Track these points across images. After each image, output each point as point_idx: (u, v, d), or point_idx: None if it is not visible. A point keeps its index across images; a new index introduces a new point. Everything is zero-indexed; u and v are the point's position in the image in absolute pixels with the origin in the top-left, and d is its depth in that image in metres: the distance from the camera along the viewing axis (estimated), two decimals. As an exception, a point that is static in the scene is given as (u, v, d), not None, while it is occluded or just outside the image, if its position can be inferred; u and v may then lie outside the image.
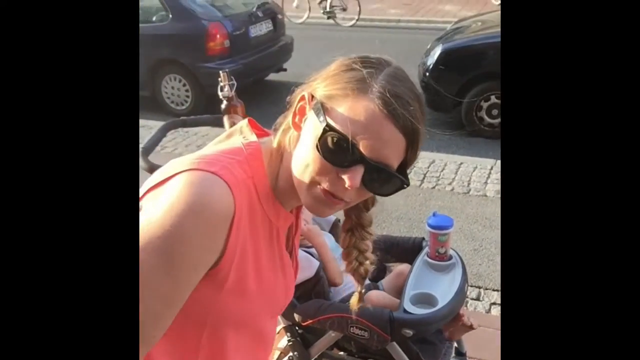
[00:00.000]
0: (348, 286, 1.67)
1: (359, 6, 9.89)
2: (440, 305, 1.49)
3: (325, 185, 0.75)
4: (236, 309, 0.81)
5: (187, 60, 5.42)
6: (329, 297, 1.62)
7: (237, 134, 0.87)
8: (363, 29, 9.84)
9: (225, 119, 1.69)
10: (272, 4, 6.24)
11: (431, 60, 4.90)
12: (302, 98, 0.80)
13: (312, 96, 0.78)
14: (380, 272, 1.80)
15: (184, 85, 5.56)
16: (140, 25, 5.53)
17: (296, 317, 1.54)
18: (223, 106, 1.68)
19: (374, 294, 1.62)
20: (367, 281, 1.73)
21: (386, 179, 0.76)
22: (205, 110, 5.27)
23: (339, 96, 0.74)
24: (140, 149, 1.54)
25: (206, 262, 0.74)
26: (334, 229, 1.85)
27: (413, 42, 7.79)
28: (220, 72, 1.66)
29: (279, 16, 6.26)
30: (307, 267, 1.59)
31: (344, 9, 6.68)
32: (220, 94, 1.67)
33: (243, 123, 0.89)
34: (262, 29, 5.89)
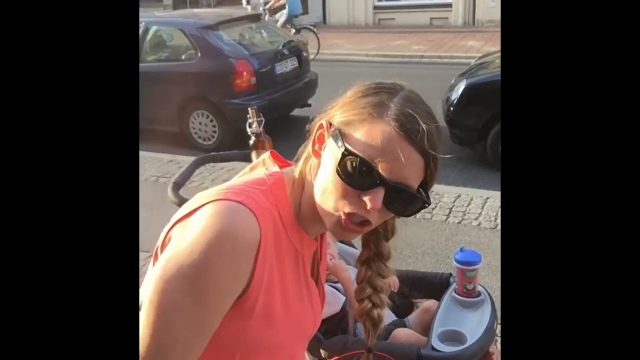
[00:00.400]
0: (375, 322, 1.65)
1: (318, 40, 10.07)
2: (469, 343, 1.46)
3: (347, 209, 0.76)
4: (265, 337, 0.81)
5: (214, 96, 5.56)
6: (356, 333, 1.61)
7: (260, 166, 0.89)
8: (387, 65, 9.96)
9: (254, 155, 1.72)
10: (297, 42, 6.40)
11: (455, 95, 4.92)
12: (321, 126, 0.82)
13: (330, 124, 0.80)
14: (407, 308, 1.78)
15: (212, 120, 5.68)
16: (170, 63, 5.73)
17: (322, 353, 1.53)
18: (251, 142, 1.73)
19: (401, 332, 1.60)
20: (394, 317, 1.72)
21: (407, 199, 0.77)
22: (232, 145, 5.38)
23: (356, 121, 0.77)
24: (171, 184, 1.58)
25: (234, 289, 0.75)
26: (359, 264, 1.84)
27: (437, 77, 7.85)
28: (249, 109, 1.71)
29: (304, 53, 6.39)
30: (334, 302, 1.58)
31: (305, 44, 6.82)
32: (248, 130, 1.71)
33: (265, 155, 0.91)
34: (287, 66, 6.02)
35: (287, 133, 6.01)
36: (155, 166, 4.91)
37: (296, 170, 0.86)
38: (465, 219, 3.77)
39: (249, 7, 12.60)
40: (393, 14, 14.63)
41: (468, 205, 3.97)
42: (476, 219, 3.77)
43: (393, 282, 1.75)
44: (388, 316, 1.71)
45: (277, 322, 0.81)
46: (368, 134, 0.75)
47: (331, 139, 0.79)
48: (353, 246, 1.94)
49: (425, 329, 1.64)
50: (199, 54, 5.56)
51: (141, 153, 4.80)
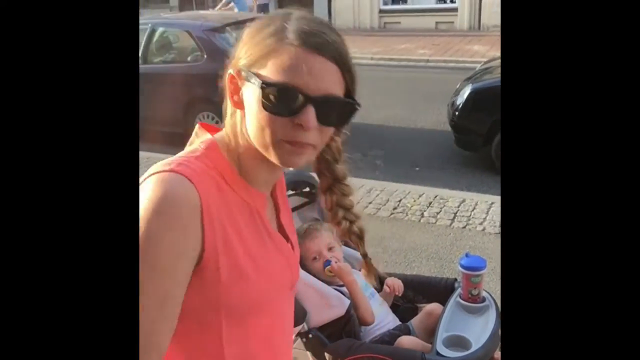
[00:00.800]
0: (379, 326, 1.65)
1: None
2: (473, 348, 1.46)
3: (286, 137, 0.77)
4: (244, 295, 0.81)
5: (220, 98, 5.56)
6: (360, 336, 1.61)
7: (195, 140, 0.89)
8: (392, 69, 9.97)
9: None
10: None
11: (460, 99, 4.92)
12: (231, 77, 0.82)
13: (239, 70, 0.80)
14: (411, 313, 1.78)
15: (217, 122, 5.68)
16: (176, 64, 5.74)
17: (327, 356, 1.53)
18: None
19: (405, 340, 1.60)
20: (398, 322, 1.72)
21: (338, 108, 0.79)
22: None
23: (261, 57, 0.77)
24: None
25: (187, 254, 0.75)
26: (364, 268, 1.84)
27: (442, 82, 7.86)
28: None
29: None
30: (338, 305, 1.59)
31: None
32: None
33: (196, 128, 0.91)
34: (293, 68, 6.03)
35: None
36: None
37: (226, 128, 0.86)
38: (470, 223, 3.77)
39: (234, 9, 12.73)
40: (398, 18, 14.65)
41: (473, 210, 3.96)
42: (481, 223, 3.76)
43: (398, 286, 1.75)
44: (392, 320, 1.71)
45: (249, 278, 0.80)
46: (277, 63, 0.75)
47: (245, 83, 0.79)
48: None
49: (429, 332, 1.64)
50: (205, 56, 5.58)
51: (146, 154, 4.81)
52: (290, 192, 1.87)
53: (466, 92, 4.89)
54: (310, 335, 1.55)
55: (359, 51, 11.29)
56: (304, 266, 1.71)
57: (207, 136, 0.87)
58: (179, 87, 5.65)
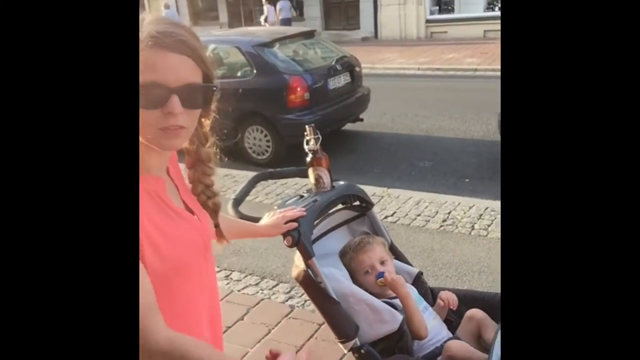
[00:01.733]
0: (433, 340, 1.63)
1: None
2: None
3: (160, 126, 0.89)
4: (161, 262, 0.92)
5: (268, 112, 5.67)
6: (413, 351, 1.59)
7: None
8: (439, 79, 9.87)
9: (310, 171, 1.74)
10: (350, 58, 6.43)
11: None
12: None
13: None
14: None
15: (265, 135, 5.78)
16: (226, 80, 5.87)
17: (379, 372, 1.53)
18: (308, 159, 1.75)
19: (454, 344, 1.58)
20: (449, 334, 1.69)
21: (197, 92, 0.92)
22: (285, 160, 5.46)
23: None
24: (232, 200, 1.62)
25: None
26: (416, 282, 1.83)
27: (490, 91, 7.70)
28: (306, 126, 1.73)
29: (357, 69, 6.43)
30: (391, 320, 1.58)
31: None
32: (305, 147, 1.73)
33: None
34: (340, 81, 6.07)
35: (339, 147, 6.07)
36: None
37: None
38: (523, 236, 3.66)
39: (266, 24, 13.79)
40: (445, 27, 14.51)
41: (526, 223, 3.85)
42: (535, 236, 3.65)
43: (452, 300, 1.73)
44: (446, 335, 1.69)
45: (161, 247, 0.92)
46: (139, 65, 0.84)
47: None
48: (409, 264, 1.92)
49: (473, 337, 1.65)
50: (255, 71, 5.70)
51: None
52: (340, 205, 1.88)
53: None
54: (362, 351, 1.55)
55: (405, 62, 11.25)
56: (355, 280, 1.72)
57: None
58: (229, 102, 5.77)
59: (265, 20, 14.39)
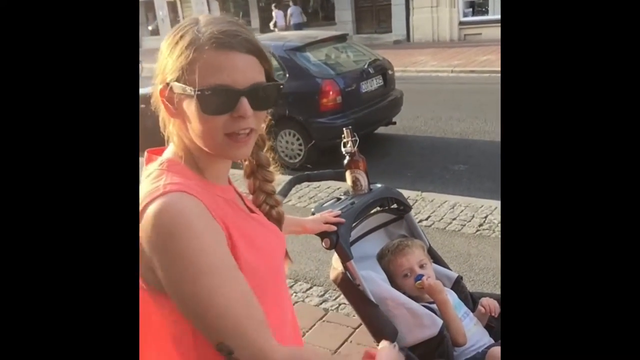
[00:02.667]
0: (476, 346, 1.59)
1: None
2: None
3: (229, 131, 0.85)
4: (256, 262, 0.89)
5: (301, 116, 5.68)
6: (453, 357, 1.56)
7: (149, 167, 0.93)
8: (473, 81, 9.74)
9: (348, 174, 1.74)
10: (382, 61, 6.41)
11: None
12: (162, 92, 0.88)
13: (167, 84, 0.87)
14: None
15: (298, 139, 5.80)
16: (259, 84, 5.91)
17: (419, 377, 1.50)
18: (345, 161, 1.74)
19: (497, 351, 1.53)
20: (491, 340, 1.65)
21: (265, 93, 0.87)
22: (317, 163, 5.47)
23: (185, 67, 0.84)
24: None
25: (222, 242, 0.84)
26: (456, 286, 1.79)
27: (527, 92, 7.56)
28: (344, 129, 1.72)
29: (389, 72, 6.39)
30: (431, 325, 1.55)
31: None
32: (343, 149, 1.73)
33: (145, 156, 0.96)
34: (372, 84, 6.04)
35: (372, 150, 6.04)
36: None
37: (173, 142, 0.93)
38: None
39: (276, 29, 14.13)
40: (479, 29, 14.32)
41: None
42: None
43: (494, 306, 1.69)
44: (488, 342, 1.65)
45: (255, 255, 0.90)
46: (203, 68, 0.82)
47: (178, 94, 0.86)
48: (448, 268, 1.89)
49: None
50: (287, 75, 5.73)
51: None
52: (378, 208, 1.86)
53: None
54: (401, 355, 1.53)
55: (438, 64, 11.15)
56: (394, 283, 1.70)
57: (161, 158, 0.94)
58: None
59: (275, 25, 14.74)
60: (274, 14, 15.11)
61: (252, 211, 1.00)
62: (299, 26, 14.51)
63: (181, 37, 0.86)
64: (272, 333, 0.85)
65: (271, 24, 15.08)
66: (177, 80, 0.85)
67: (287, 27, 14.50)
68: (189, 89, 0.83)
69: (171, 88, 0.86)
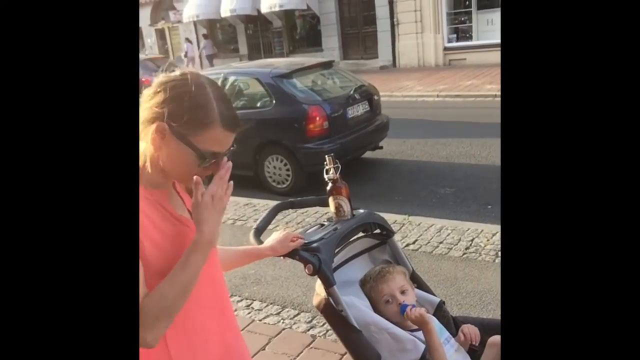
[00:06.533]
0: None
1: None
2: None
3: (198, 174, 1.08)
4: (164, 263, 1.05)
5: (288, 141, 5.72)
6: (436, 383, 1.56)
7: None
8: (459, 105, 9.88)
9: (331, 200, 1.75)
10: (368, 87, 6.49)
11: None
12: (162, 129, 1.04)
13: (170, 128, 1.04)
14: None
15: (285, 164, 5.83)
16: (246, 110, 5.98)
17: (403, 403, 1.50)
18: (328, 188, 1.76)
19: None
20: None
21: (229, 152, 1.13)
22: (305, 189, 5.48)
23: (194, 129, 1.05)
24: (253, 230, 1.64)
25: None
26: (438, 311, 1.80)
27: (511, 116, 7.67)
28: (326, 156, 1.75)
29: (375, 97, 6.48)
30: (413, 349, 1.55)
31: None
32: (325, 176, 1.75)
33: None
34: (359, 109, 6.11)
35: (359, 175, 6.08)
36: (232, 209, 5.09)
37: (143, 148, 1.07)
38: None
39: (186, 59, 17.14)
40: (464, 54, 14.58)
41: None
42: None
43: (474, 335, 1.69)
44: (469, 366, 1.65)
45: (166, 249, 1.07)
46: (209, 139, 1.06)
47: (177, 140, 1.05)
48: (432, 293, 1.90)
49: None
50: (274, 101, 5.79)
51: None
52: (361, 234, 1.87)
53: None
54: (384, 380, 1.52)
55: (424, 89, 11.30)
56: (376, 309, 1.70)
57: None
58: (249, 132, 5.84)
59: (185, 55, 17.57)
60: (185, 46, 17.89)
61: (180, 220, 1.16)
62: (210, 57, 17.46)
63: (196, 95, 1.05)
64: (191, 327, 1.10)
65: (182, 54, 17.71)
66: (183, 133, 1.04)
67: (200, 58, 17.75)
68: (191, 146, 1.05)
69: (171, 132, 1.04)
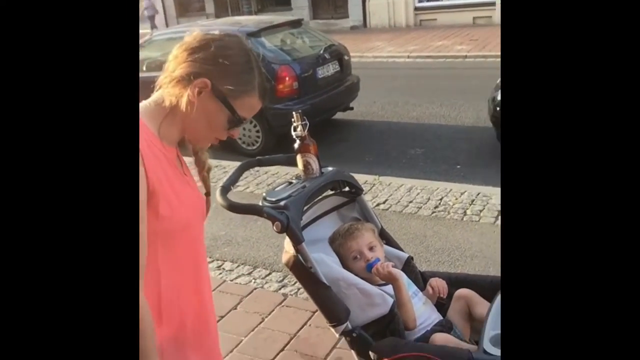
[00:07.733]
0: (425, 324, 1.63)
1: None
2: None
3: (219, 137, 1.15)
4: (174, 220, 1.07)
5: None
6: (404, 334, 1.59)
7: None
8: (429, 66, 9.86)
9: (299, 158, 1.73)
10: (338, 46, 6.40)
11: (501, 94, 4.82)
12: (204, 84, 1.05)
13: (213, 87, 1.05)
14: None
15: (255, 126, 5.75)
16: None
17: (372, 355, 1.52)
18: (296, 145, 1.73)
19: (439, 337, 1.56)
20: (440, 317, 1.69)
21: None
22: (275, 150, 5.42)
23: (236, 93, 1.08)
24: (219, 188, 1.60)
25: (142, 198, 0.98)
26: (406, 267, 1.82)
27: (481, 77, 7.71)
28: (294, 112, 1.71)
29: (346, 57, 6.40)
30: (382, 303, 1.58)
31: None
32: (293, 133, 1.72)
33: None
34: (329, 70, 6.04)
35: (330, 136, 6.06)
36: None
37: (165, 102, 1.08)
38: (514, 220, 3.67)
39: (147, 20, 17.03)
40: (435, 15, 14.47)
41: (517, 207, 3.86)
42: (526, 220, 3.66)
43: (442, 287, 1.72)
44: (437, 318, 1.69)
45: (176, 206, 1.07)
46: (245, 105, 1.10)
47: (215, 99, 1.06)
48: (400, 249, 1.92)
49: (463, 315, 1.68)
50: (242, 61, 5.65)
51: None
52: (330, 192, 1.87)
53: (507, 86, 4.78)
54: (354, 334, 1.55)
55: (394, 50, 11.22)
56: (345, 266, 1.71)
57: (144, 103, 1.10)
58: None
59: (145, 11, 17.48)
60: (145, 2, 17.55)
61: (185, 174, 1.19)
62: (152, 18, 17.44)
63: (245, 61, 1.09)
64: (180, 279, 1.13)
65: (142, 12, 17.55)
66: (225, 95, 1.06)
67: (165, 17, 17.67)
68: (228, 107, 1.08)
69: (212, 91, 1.05)
